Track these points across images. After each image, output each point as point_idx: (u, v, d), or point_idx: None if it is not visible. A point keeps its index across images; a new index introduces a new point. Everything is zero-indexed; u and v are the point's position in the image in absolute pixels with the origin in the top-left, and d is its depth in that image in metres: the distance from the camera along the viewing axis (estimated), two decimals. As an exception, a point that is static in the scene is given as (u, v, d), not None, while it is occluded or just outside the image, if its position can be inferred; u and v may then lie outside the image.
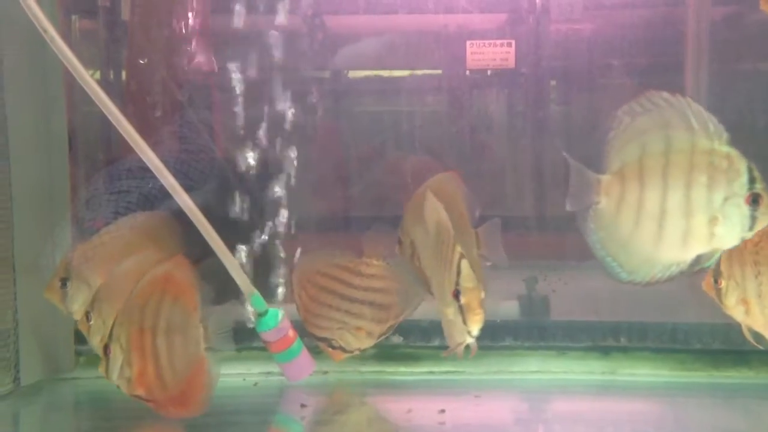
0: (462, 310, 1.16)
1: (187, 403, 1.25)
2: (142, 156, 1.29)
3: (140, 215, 1.52)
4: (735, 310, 1.28)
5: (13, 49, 1.44)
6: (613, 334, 1.60)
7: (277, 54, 1.67)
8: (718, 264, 1.25)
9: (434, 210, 1.27)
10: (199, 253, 1.44)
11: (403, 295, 1.44)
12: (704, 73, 1.83)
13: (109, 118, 1.26)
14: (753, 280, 1.25)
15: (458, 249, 1.18)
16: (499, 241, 1.38)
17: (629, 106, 1.19)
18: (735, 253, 1.23)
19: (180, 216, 1.41)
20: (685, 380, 1.50)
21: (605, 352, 1.58)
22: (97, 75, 1.87)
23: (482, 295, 1.17)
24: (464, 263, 1.17)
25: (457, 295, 1.16)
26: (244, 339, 1.58)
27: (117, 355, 1.22)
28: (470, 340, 1.20)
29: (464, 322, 1.17)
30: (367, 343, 1.46)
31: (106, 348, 1.23)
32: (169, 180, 1.31)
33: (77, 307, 1.37)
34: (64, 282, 1.37)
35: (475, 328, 1.17)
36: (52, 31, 1.23)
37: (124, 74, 1.90)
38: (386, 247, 1.47)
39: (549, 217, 1.85)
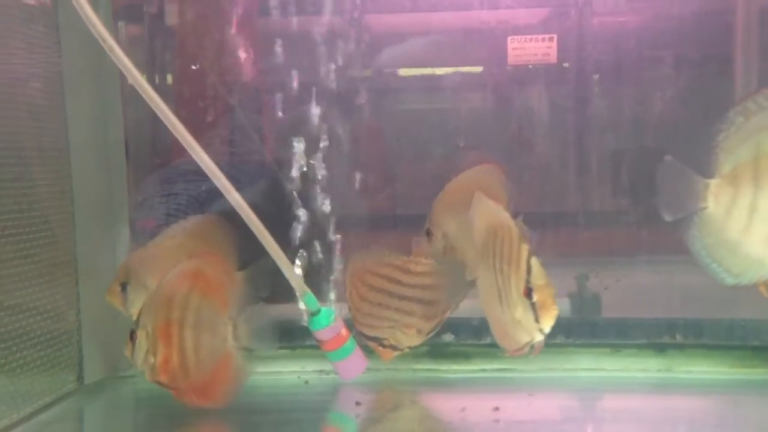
0: (535, 308, 1.16)
1: (209, 394, 1.28)
2: (197, 159, 1.32)
3: (194, 218, 1.55)
4: None
5: (72, 57, 1.49)
6: (669, 330, 1.57)
7: (323, 55, 1.68)
8: None
9: (489, 210, 1.26)
10: (251, 255, 1.47)
11: (449, 291, 1.44)
12: (755, 64, 1.79)
13: (165, 122, 1.29)
14: None
15: (525, 247, 1.18)
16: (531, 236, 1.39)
17: (743, 106, 1.15)
18: None
19: (232, 218, 1.45)
20: (743, 377, 1.47)
21: (660, 349, 1.56)
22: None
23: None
24: (534, 261, 1.16)
25: (529, 293, 1.16)
26: (297, 337, 1.61)
27: (142, 342, 1.26)
28: (539, 338, 1.19)
29: (537, 319, 1.16)
30: (418, 340, 1.47)
31: (132, 334, 1.27)
32: (223, 182, 1.34)
33: (137, 309, 1.39)
34: (123, 286, 1.41)
35: (549, 325, 1.17)
36: (111, 41, 1.26)
37: (169, 78, 1.94)
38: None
39: (599, 214, 1.83)
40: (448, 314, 1.45)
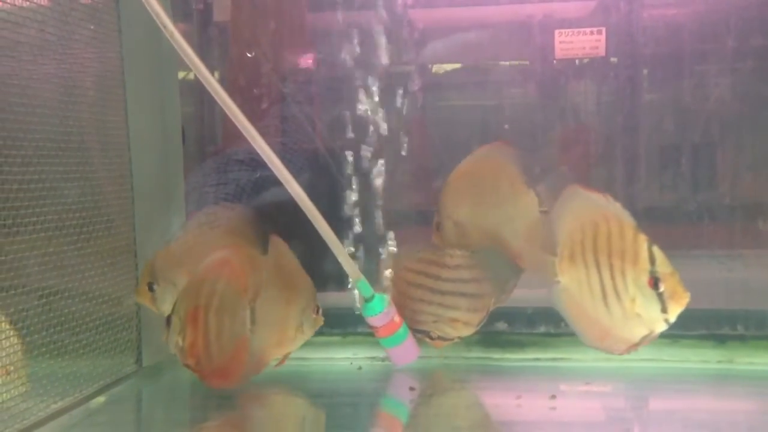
0: (662, 298, 1.12)
1: (227, 376, 1.30)
2: (257, 148, 1.32)
3: (217, 211, 1.56)
4: None
5: (132, 49, 1.52)
6: (729, 322, 1.54)
7: (371, 48, 1.69)
8: None
9: (587, 203, 1.19)
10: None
11: (496, 282, 1.42)
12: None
13: (226, 111, 1.30)
14: None
15: (643, 236, 1.13)
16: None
17: None
18: None
19: (259, 208, 1.48)
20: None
21: (721, 340, 1.53)
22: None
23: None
24: (656, 249, 1.12)
25: (655, 282, 1.12)
26: (349, 324, 1.61)
27: (175, 327, 1.30)
28: (662, 329, 1.16)
29: (664, 309, 1.12)
30: (466, 332, 1.45)
31: (168, 319, 1.31)
32: (281, 170, 1.35)
33: (167, 306, 1.42)
34: (150, 286, 1.43)
35: (677, 313, 1.13)
36: (171, 26, 1.28)
37: (217, 74, 1.96)
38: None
39: (655, 207, 1.79)
40: (496, 305, 1.44)
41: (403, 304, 1.47)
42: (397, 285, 1.48)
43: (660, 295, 1.12)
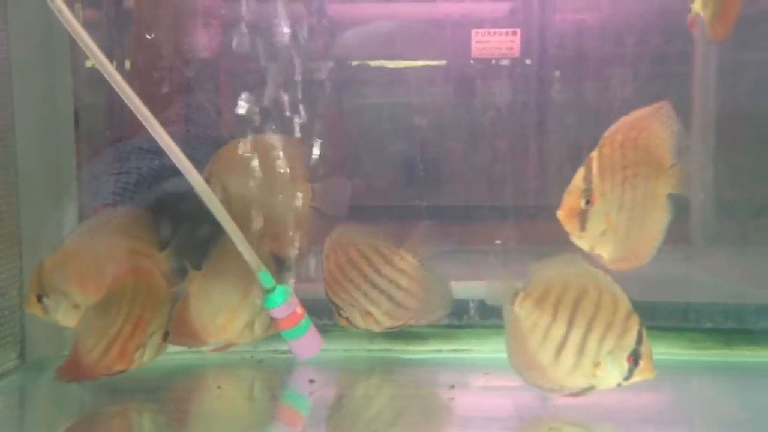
0: (632, 371, 1.18)
1: None
2: (153, 133, 1.26)
3: (107, 215, 1.50)
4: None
5: (20, 26, 1.44)
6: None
7: (280, 40, 1.66)
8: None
9: (588, 273, 1.23)
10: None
11: (425, 305, 1.42)
12: (713, 61, 1.82)
13: (120, 94, 1.24)
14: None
15: (636, 317, 1.19)
16: (344, 198, 1.48)
17: None
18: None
19: (152, 208, 1.48)
20: (696, 359, 1.49)
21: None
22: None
23: None
24: (644, 330, 1.19)
25: (635, 360, 1.18)
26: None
27: None
28: (608, 388, 1.21)
29: (627, 378, 1.19)
30: (374, 328, 1.43)
31: None
32: (180, 158, 1.30)
33: (60, 316, 1.36)
34: (39, 297, 1.36)
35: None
36: (59, 2, 1.21)
37: (127, 64, 1.89)
38: (428, 250, 1.44)
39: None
40: (413, 323, 1.43)
41: (333, 276, 1.44)
42: (336, 256, 1.44)
43: (631, 368, 1.18)
